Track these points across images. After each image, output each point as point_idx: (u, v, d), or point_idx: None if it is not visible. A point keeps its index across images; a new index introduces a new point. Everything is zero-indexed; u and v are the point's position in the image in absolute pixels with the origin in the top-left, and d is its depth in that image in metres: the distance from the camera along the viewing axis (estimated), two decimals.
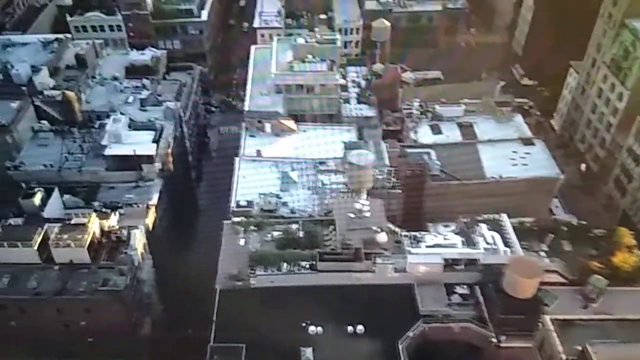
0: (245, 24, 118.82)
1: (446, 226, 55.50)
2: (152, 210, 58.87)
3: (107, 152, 60.97)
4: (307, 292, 43.58)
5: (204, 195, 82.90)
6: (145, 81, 78.55)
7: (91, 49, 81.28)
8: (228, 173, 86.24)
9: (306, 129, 70.80)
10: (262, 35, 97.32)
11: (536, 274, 39.26)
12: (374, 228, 46.15)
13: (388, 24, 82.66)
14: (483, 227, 46.35)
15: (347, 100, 77.51)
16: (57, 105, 72.39)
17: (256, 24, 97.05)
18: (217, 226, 76.84)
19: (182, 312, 58.31)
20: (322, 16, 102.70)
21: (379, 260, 43.22)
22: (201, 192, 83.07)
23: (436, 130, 70.44)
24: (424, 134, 69.78)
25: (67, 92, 65.34)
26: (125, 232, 54.56)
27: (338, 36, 75.73)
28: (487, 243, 44.39)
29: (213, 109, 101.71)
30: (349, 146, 60.44)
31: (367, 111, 75.78)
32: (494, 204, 56.67)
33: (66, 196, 59.23)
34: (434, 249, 43.69)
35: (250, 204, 55.56)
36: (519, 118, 71.30)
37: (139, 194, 60.96)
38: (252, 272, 44.38)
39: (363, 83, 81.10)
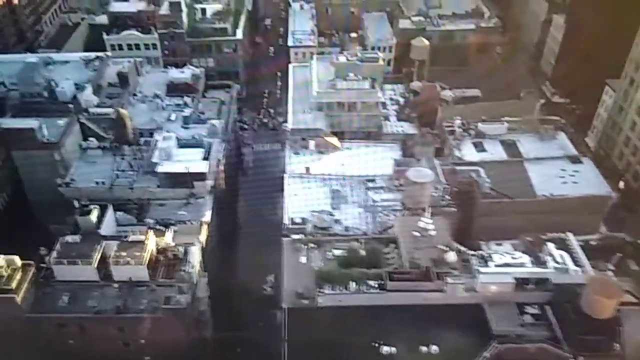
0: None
1: (498, 244, 55.34)
2: (205, 227, 59.03)
3: (160, 169, 61.29)
4: (376, 312, 43.38)
5: (242, 211, 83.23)
6: (186, 99, 79.36)
7: (132, 67, 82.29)
8: (264, 189, 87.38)
9: (349, 146, 71.12)
10: (296, 54, 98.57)
11: (617, 294, 39.06)
12: (441, 247, 46.10)
13: (427, 42, 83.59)
14: (550, 246, 46.18)
15: (386, 118, 78.12)
16: (102, 123, 73.32)
17: (290, 42, 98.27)
18: (260, 242, 77.77)
19: (236, 329, 58.17)
20: (353, 35, 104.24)
21: (449, 279, 43.05)
22: (240, 208, 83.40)
23: (480, 147, 70.60)
24: (468, 152, 69.87)
25: (121, 110, 65.97)
26: (181, 249, 54.70)
27: (380, 54, 76.44)
28: (557, 262, 44.22)
29: (245, 126, 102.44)
30: (399, 163, 60.65)
31: (408, 128, 76.32)
32: (544, 222, 56.42)
33: (118, 213, 59.39)
34: (504, 268, 43.54)
35: (304, 221, 55.62)
36: (562, 136, 71.48)
37: (190, 211, 61.11)
38: (320, 290, 44.23)
39: (401, 100, 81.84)
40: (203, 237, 58.24)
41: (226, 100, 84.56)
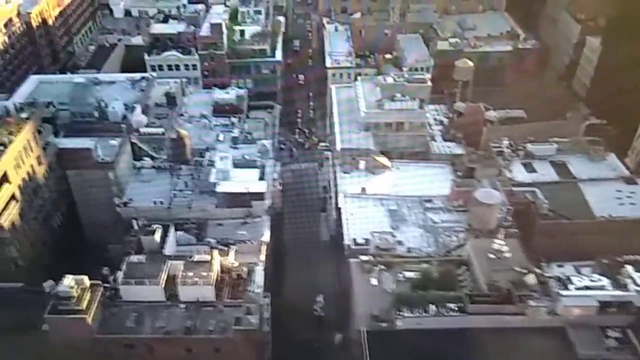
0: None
1: (560, 266, 55.06)
2: (264, 247, 58.97)
3: (219, 189, 61.50)
4: (457, 335, 42.96)
5: (285, 231, 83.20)
6: (233, 119, 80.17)
7: (179, 88, 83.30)
8: (304, 208, 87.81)
9: (399, 166, 71.33)
10: (334, 75, 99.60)
11: None
12: (519, 269, 45.83)
13: (471, 63, 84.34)
14: (629, 269, 45.85)
15: (432, 138, 78.42)
16: (153, 142, 74.02)
17: (328, 63, 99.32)
18: (305, 261, 77.81)
19: (293, 350, 57.65)
20: (388, 56, 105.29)
21: (531, 302, 42.70)
22: (283, 227, 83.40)
23: (530, 168, 70.60)
24: (519, 173, 69.84)
25: (181, 130, 66.58)
26: (244, 269, 54.59)
27: (427, 76, 77.07)
28: (638, 285, 43.84)
29: (282, 146, 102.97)
30: (459, 184, 60.67)
31: (455, 149, 76.53)
32: (603, 244, 56.23)
33: (178, 233, 59.53)
34: (585, 291, 43.18)
35: (367, 242, 55.48)
36: (612, 157, 71.52)
37: (248, 230, 61.21)
38: (399, 313, 43.88)
39: (445, 121, 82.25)
40: (263, 256, 58.25)
41: (269, 121, 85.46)
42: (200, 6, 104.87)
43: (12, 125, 56.51)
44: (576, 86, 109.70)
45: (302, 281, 72.96)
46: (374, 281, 48.80)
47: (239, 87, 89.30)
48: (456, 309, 43.89)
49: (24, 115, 59.93)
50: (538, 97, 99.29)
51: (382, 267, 49.93)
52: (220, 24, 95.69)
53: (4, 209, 54.04)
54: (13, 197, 55.50)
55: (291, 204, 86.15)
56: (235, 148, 75.00)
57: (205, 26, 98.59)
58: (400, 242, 56.30)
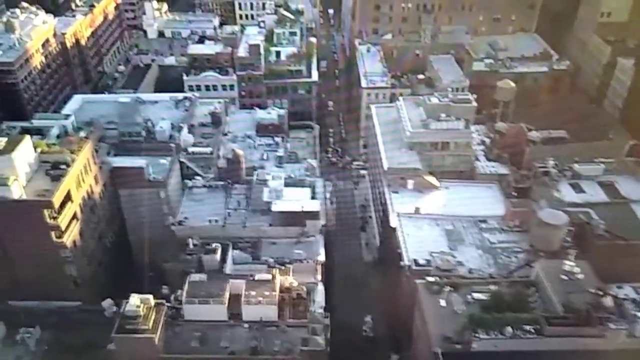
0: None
1: (619, 287, 54.45)
2: (320, 266, 58.77)
3: (274, 207, 61.62)
4: (533, 357, 42.42)
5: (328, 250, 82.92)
6: (277, 139, 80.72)
7: (223, 107, 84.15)
8: (342, 228, 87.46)
9: (447, 185, 71.39)
10: (369, 95, 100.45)
11: None
12: (594, 291, 45.42)
13: (513, 84, 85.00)
14: None
15: (476, 158, 78.57)
16: (200, 161, 74.56)
17: (364, 84, 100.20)
18: (349, 280, 77.41)
19: None
20: (420, 76, 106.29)
21: (611, 325, 42.24)
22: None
23: (578, 189, 70.31)
24: (567, 193, 69.68)
25: (237, 150, 67.04)
26: (304, 288, 54.30)
27: (471, 96, 77.59)
28: None
29: None
30: (515, 205, 60.57)
31: (500, 168, 76.61)
32: None
33: (235, 251, 59.47)
34: None
35: (428, 262, 55.25)
36: None
37: (303, 249, 61.09)
38: (476, 335, 43.42)
39: (486, 140, 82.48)
40: (320, 276, 58.01)
41: (310, 140, 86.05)
42: (237, 27, 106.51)
43: (73, 144, 57.11)
44: (608, 107, 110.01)
45: (347, 301, 72.48)
46: (443, 302, 48.39)
47: (280, 108, 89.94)
48: (532, 331, 43.41)
49: (82, 134, 60.55)
50: (573, 117, 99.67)
51: (450, 288, 49.55)
52: (258, 45, 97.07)
53: (67, 227, 54.23)
54: (74, 216, 55.78)
55: (329, 223, 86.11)
56: (281, 167, 75.49)
57: (243, 47, 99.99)
58: (460, 263, 56.05)
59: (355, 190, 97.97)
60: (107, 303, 54.82)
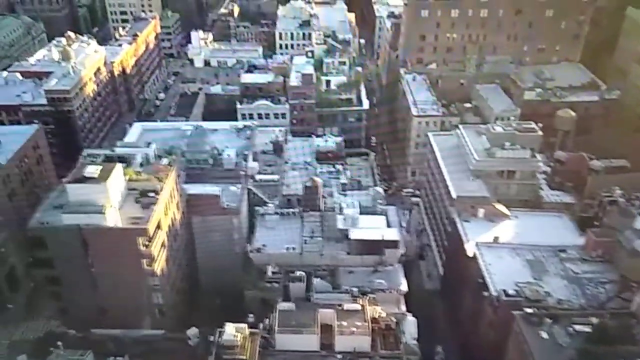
0: None
1: None
2: (403, 296, 58.25)
3: (352, 235, 61.49)
4: None
5: None
6: (338, 166, 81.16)
7: (283, 136, 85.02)
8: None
9: (517, 214, 71.04)
10: (419, 122, 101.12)
11: None
12: None
13: (573, 113, 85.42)
14: None
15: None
16: (266, 189, 74.94)
17: (414, 112, 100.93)
18: (417, 310, 76.19)
19: None
20: (467, 105, 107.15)
21: None
22: None
23: None
24: None
25: (315, 178, 67.43)
26: (393, 318, 53.69)
27: (536, 125, 77.86)
28: None
29: None
30: (599, 234, 60.14)
31: (565, 197, 76.38)
32: None
33: (315, 280, 59.13)
34: None
35: (518, 293, 54.57)
36: None
37: (381, 279, 60.61)
38: None
39: (547, 169, 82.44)
40: (403, 306, 57.43)
41: (367, 168, 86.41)
42: (287, 57, 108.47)
43: (161, 172, 57.71)
44: None
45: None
46: (544, 334, 47.61)
47: (336, 135, 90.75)
48: None
49: (164, 161, 61.23)
50: (629, 146, 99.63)
51: (549, 320, 48.81)
52: (311, 75, 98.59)
53: (157, 255, 54.32)
54: (163, 243, 55.93)
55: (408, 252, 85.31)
56: (344, 194, 75.55)
57: (294, 76, 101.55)
58: (548, 294, 55.31)
59: (409, 217, 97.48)
60: (192, 332, 54.24)
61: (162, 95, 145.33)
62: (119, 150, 62.42)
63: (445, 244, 76.76)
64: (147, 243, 52.44)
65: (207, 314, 65.47)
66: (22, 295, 76.97)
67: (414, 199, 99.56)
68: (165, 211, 56.94)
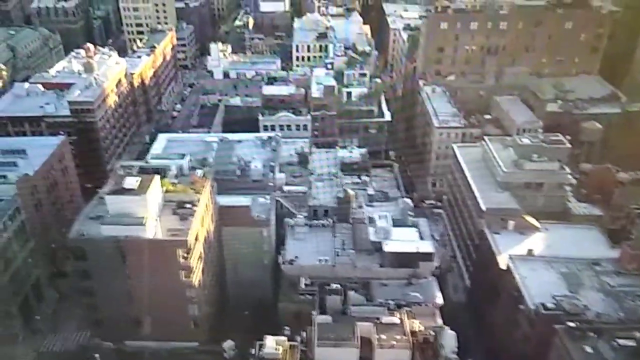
0: None
1: None
2: (438, 310, 57.92)
3: (386, 248, 61.33)
4: None
5: None
6: (364, 178, 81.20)
7: (308, 147, 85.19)
8: None
9: (547, 226, 70.74)
10: (441, 134, 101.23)
11: None
12: None
13: (599, 125, 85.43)
14: None
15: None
16: (293, 200, 74.94)
17: (436, 123, 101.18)
18: (449, 322, 75.42)
19: None
20: (487, 116, 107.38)
21: None
22: None
23: None
24: None
25: (348, 190, 67.46)
26: (431, 332, 53.30)
27: (563, 137, 77.90)
28: None
29: None
30: (634, 247, 59.81)
31: (593, 209, 76.08)
32: None
33: (350, 292, 58.87)
34: None
35: (557, 306, 54.19)
36: None
37: (416, 291, 60.37)
38: None
39: (572, 181, 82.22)
40: (440, 320, 57.06)
41: (392, 179, 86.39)
42: (308, 69, 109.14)
43: (197, 183, 57.87)
44: None
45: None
46: (589, 349, 47.21)
47: (358, 147, 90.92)
48: None
49: (198, 173, 61.38)
50: None
51: (592, 334, 48.43)
52: (332, 87, 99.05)
53: (195, 267, 54.32)
54: (200, 255, 55.91)
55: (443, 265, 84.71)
56: (371, 206, 75.53)
57: (315, 88, 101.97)
58: (586, 307, 54.90)
59: (440, 229, 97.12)
60: (228, 344, 54.25)
61: (178, 107, 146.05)
62: (152, 162, 62.61)
63: (473, 256, 76.46)
64: (185, 255, 52.40)
65: (235, 326, 65.31)
66: (48, 306, 76.94)
67: (436, 210, 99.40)
68: (202, 222, 56.96)
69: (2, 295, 68.58)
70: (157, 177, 54.74)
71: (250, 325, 63.70)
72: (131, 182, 52.18)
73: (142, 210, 51.50)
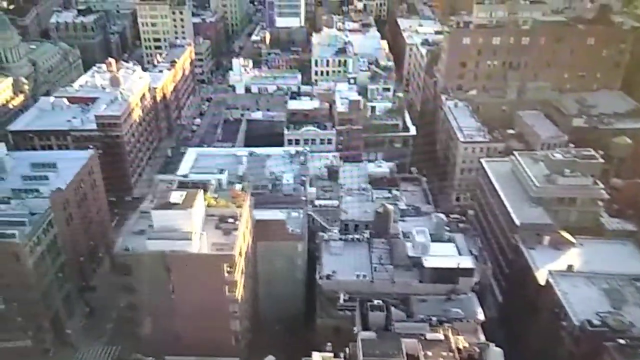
0: None
1: None
2: (480, 326, 57.34)
3: (426, 263, 60.98)
4: None
5: None
6: (395, 192, 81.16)
7: (336, 161, 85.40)
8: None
9: (582, 242, 70.35)
10: (466, 149, 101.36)
11: None
12: None
13: (629, 140, 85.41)
14: None
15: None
16: (325, 214, 74.95)
17: (461, 138, 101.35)
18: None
19: None
20: (510, 131, 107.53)
21: None
22: None
23: None
24: None
25: (387, 205, 67.39)
26: (476, 349, 52.75)
27: (595, 153, 77.88)
28: None
29: None
30: None
31: (626, 224, 75.74)
32: None
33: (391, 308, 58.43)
34: None
35: (603, 323, 53.69)
36: None
37: (456, 307, 59.84)
38: None
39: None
40: (482, 336, 56.47)
41: (419, 193, 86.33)
42: (332, 84, 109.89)
43: (239, 198, 58.02)
44: None
45: None
46: None
47: (387, 161, 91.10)
48: None
49: (238, 187, 61.55)
50: None
51: None
52: (358, 101, 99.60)
53: (239, 282, 54.21)
54: (242, 270, 55.83)
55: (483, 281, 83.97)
56: (403, 220, 75.24)
57: (340, 102, 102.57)
58: (632, 324, 54.38)
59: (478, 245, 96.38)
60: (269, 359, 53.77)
61: (197, 121, 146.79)
62: (191, 176, 62.84)
63: (506, 271, 75.98)
64: (230, 269, 52.30)
65: (269, 341, 64.92)
66: (78, 320, 76.77)
67: (461, 225, 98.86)
68: (244, 237, 56.96)
69: (35, 309, 68.63)
70: (200, 192, 54.88)
71: (284, 340, 63.38)
72: (176, 196, 52.30)
73: (188, 224, 51.56)
